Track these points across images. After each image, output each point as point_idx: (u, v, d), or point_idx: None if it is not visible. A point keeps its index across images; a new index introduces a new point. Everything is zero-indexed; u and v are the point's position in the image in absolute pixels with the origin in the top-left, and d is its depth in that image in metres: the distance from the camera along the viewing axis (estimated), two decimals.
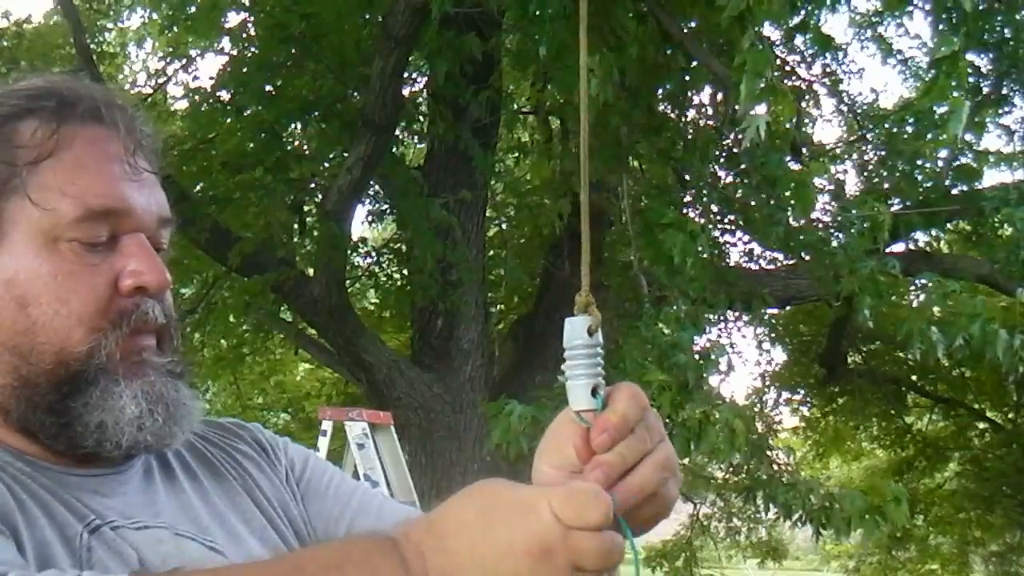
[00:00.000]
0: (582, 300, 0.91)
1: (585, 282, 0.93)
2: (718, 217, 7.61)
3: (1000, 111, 8.37)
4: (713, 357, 5.51)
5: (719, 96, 6.57)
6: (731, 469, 10.44)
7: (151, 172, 1.07)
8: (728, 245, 8.33)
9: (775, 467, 6.39)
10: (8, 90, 1.07)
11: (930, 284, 5.50)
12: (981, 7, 6.03)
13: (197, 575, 0.86)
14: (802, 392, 12.50)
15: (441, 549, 0.80)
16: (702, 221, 5.88)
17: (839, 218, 6.71)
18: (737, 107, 6.08)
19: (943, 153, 7.78)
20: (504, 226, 9.52)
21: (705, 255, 5.45)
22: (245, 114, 7.48)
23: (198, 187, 7.45)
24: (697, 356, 5.40)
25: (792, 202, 5.96)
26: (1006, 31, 7.58)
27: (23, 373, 1.01)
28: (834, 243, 6.02)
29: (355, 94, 7.15)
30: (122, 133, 1.05)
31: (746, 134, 3.98)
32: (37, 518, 0.95)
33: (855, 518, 5.11)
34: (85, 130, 1.04)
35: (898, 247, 7.76)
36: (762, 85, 3.88)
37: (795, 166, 6.46)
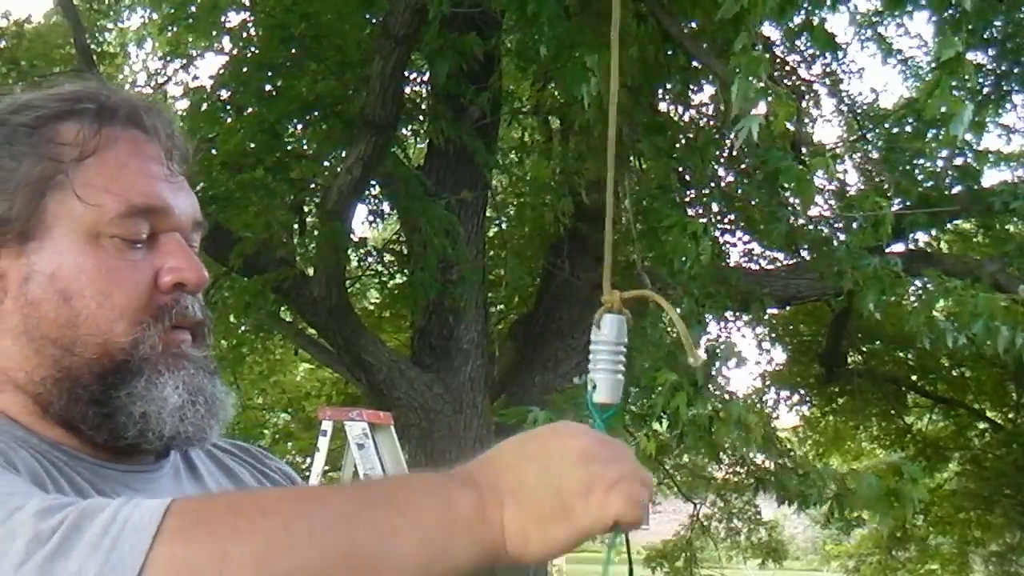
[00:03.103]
0: (609, 298, 0.94)
1: (606, 279, 0.95)
2: (719, 216, 7.61)
3: (1000, 111, 8.38)
4: (720, 354, 5.53)
5: (720, 95, 6.58)
6: (737, 468, 10.44)
7: (184, 177, 1.11)
8: (728, 245, 8.34)
9: (786, 458, 6.39)
10: (45, 94, 1.10)
11: (931, 282, 5.51)
12: (983, 4, 6.03)
13: (263, 497, 0.86)
14: (802, 392, 12.49)
15: (486, 459, 0.87)
16: (704, 221, 5.88)
17: (841, 217, 6.71)
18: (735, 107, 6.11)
19: (943, 153, 7.78)
20: (504, 226, 9.52)
21: (706, 255, 5.45)
22: (245, 114, 7.48)
23: (198, 187, 7.43)
24: (704, 354, 5.41)
25: (793, 197, 5.97)
26: (1007, 29, 7.59)
27: (65, 365, 1.02)
28: (835, 242, 6.02)
29: (355, 94, 7.14)
30: (161, 138, 1.09)
31: (739, 135, 4.00)
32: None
33: (870, 501, 5.11)
34: (126, 133, 1.07)
35: (898, 247, 7.76)
36: (760, 86, 3.88)
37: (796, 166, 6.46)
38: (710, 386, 5.33)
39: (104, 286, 1.02)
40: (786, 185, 5.73)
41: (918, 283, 6.37)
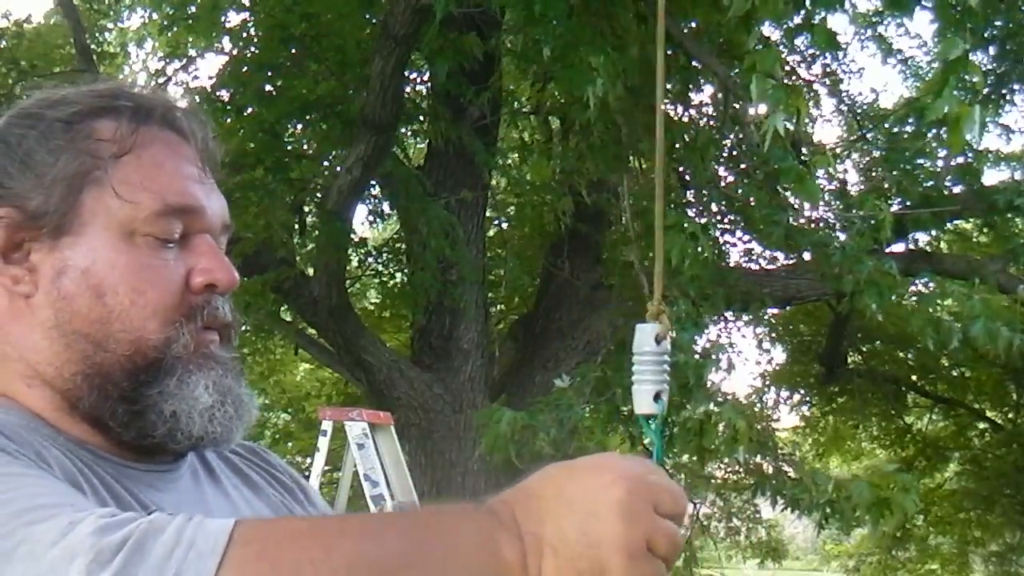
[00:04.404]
0: (654, 309, 0.94)
1: (657, 292, 0.95)
2: (718, 217, 7.61)
3: (1000, 111, 8.38)
4: (713, 357, 5.52)
5: (720, 95, 6.58)
6: (736, 467, 10.45)
7: (215, 180, 1.11)
8: (728, 245, 8.34)
9: (780, 463, 6.39)
10: (80, 90, 1.09)
11: (931, 284, 5.50)
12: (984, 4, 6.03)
13: (325, 530, 0.85)
14: (802, 392, 12.50)
15: (528, 497, 0.85)
16: (703, 221, 5.88)
17: (841, 218, 6.71)
18: (737, 107, 6.10)
19: (943, 152, 7.79)
20: (504, 226, 9.52)
21: (705, 255, 5.44)
22: (245, 114, 7.48)
23: None
24: (697, 356, 5.40)
25: (795, 197, 5.96)
26: (1007, 29, 7.59)
27: (97, 361, 1.02)
28: (835, 243, 6.01)
29: (355, 94, 7.14)
30: (196, 141, 1.09)
31: (766, 135, 3.96)
32: (106, 501, 0.96)
33: (862, 509, 5.10)
34: (162, 133, 1.07)
35: (899, 247, 7.76)
36: (772, 84, 3.86)
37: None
38: (706, 388, 5.32)
39: (138, 283, 1.02)
40: (787, 185, 5.73)
41: (918, 284, 6.36)
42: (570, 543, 0.82)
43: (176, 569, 0.76)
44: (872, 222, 5.64)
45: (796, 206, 6.75)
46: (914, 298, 6.02)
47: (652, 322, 0.95)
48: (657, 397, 0.95)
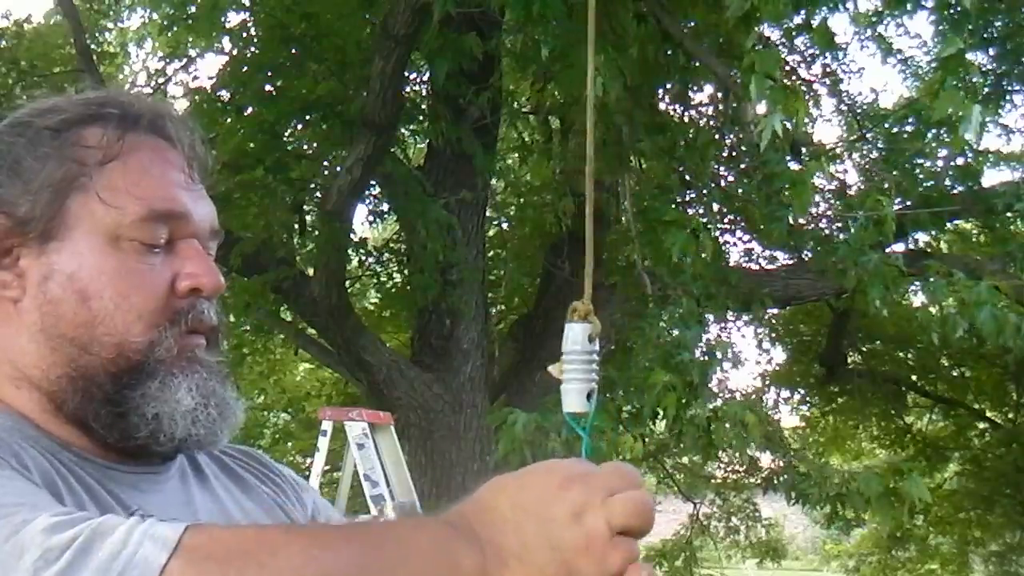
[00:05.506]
0: (583, 308, 0.93)
1: (587, 291, 0.95)
2: (719, 216, 7.62)
3: (1000, 111, 8.38)
4: (718, 355, 5.52)
5: (720, 95, 6.58)
6: (736, 467, 10.45)
7: (204, 186, 1.13)
8: (728, 245, 8.34)
9: (790, 457, 6.40)
10: (70, 98, 1.12)
11: (935, 275, 5.49)
12: (984, 4, 6.03)
13: (274, 537, 0.86)
14: (802, 392, 12.49)
15: (484, 509, 0.85)
16: (704, 220, 5.88)
17: (842, 216, 6.71)
18: (736, 106, 6.10)
19: (943, 152, 7.79)
20: (504, 226, 9.52)
21: (705, 254, 5.44)
22: (245, 114, 7.48)
23: None
24: (701, 354, 5.40)
25: (791, 200, 5.97)
26: (1007, 29, 7.59)
27: (81, 364, 1.03)
28: (837, 240, 6.01)
29: (355, 94, 7.14)
30: (183, 147, 1.10)
31: (763, 135, 3.96)
32: (84, 503, 0.97)
33: (871, 500, 5.10)
34: (149, 140, 1.08)
35: (898, 247, 7.75)
36: (771, 84, 3.86)
37: (795, 166, 6.47)
38: (710, 386, 5.32)
39: (122, 288, 1.03)
40: (785, 187, 5.73)
41: (924, 279, 6.36)
42: (534, 551, 0.82)
43: (121, 569, 0.77)
44: (869, 222, 5.64)
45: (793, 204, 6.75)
46: (919, 285, 5.99)
47: (582, 322, 0.94)
48: (589, 396, 0.94)
